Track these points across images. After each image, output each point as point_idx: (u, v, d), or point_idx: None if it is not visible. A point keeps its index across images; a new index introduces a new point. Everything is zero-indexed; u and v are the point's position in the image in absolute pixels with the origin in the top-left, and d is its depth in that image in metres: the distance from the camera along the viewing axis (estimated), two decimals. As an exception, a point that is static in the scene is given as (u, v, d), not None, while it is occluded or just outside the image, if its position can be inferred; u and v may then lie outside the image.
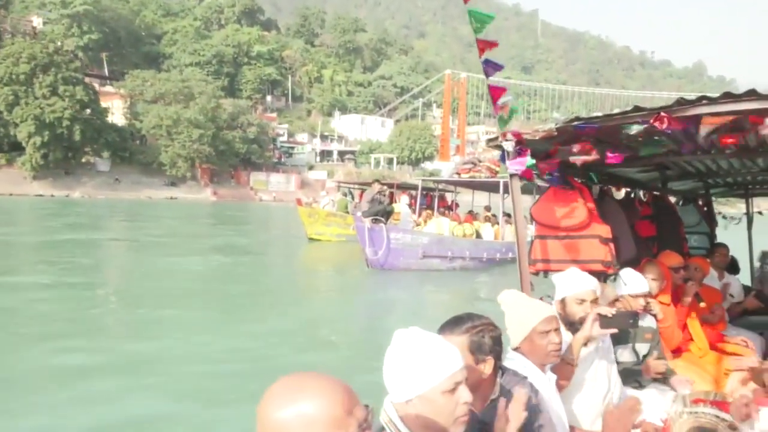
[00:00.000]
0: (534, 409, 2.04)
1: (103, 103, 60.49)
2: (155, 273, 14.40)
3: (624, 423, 2.16)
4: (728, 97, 2.38)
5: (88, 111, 57.16)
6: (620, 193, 4.73)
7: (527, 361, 2.38)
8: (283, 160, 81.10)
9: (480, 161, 17.62)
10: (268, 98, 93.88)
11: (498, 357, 2.00)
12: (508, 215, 17.22)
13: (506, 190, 8.25)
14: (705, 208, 6.11)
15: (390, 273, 15.46)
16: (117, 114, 63.43)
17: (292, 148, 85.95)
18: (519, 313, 2.43)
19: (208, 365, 7.17)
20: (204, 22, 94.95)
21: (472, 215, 20.59)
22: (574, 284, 2.95)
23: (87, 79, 59.76)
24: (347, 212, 23.34)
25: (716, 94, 2.44)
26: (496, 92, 2.54)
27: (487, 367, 1.95)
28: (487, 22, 2.00)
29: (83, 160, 58.58)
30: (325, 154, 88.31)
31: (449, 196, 23.22)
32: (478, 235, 18.15)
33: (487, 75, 2.44)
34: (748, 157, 3.80)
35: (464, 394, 1.52)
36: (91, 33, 72.14)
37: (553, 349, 2.38)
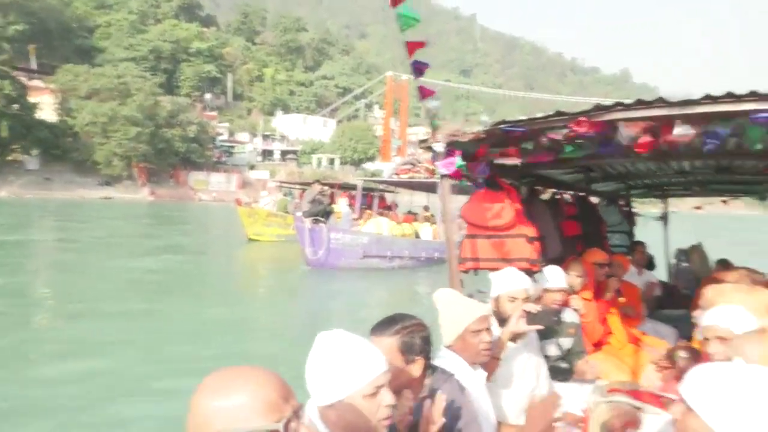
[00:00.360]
0: (458, 407, 2.10)
1: (32, 99, 56.98)
2: (87, 275, 13.80)
3: (545, 417, 2.25)
4: (641, 103, 2.52)
5: (16, 106, 53.71)
6: (547, 195, 4.91)
7: (459, 359, 2.44)
8: (223, 159, 79.09)
9: (419, 162, 17.86)
10: (208, 96, 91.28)
11: (428, 356, 2.04)
12: (447, 215, 17.47)
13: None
14: (626, 209, 6.46)
15: (330, 273, 15.44)
16: (47, 110, 59.68)
17: (233, 147, 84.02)
18: (453, 312, 2.48)
19: (144, 365, 7.11)
20: (140, 16, 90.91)
21: (411, 215, 20.86)
22: (507, 283, 3.07)
23: (14, 73, 56.11)
24: (287, 212, 23.15)
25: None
26: (425, 93, 2.59)
27: (416, 368, 1.99)
28: (413, 24, 2.04)
29: (10, 158, 55.00)
30: (267, 154, 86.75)
31: (389, 197, 23.40)
32: (417, 235, 18.44)
33: (416, 76, 2.49)
34: (663, 160, 4.03)
35: (386, 398, 1.53)
36: (17, 24, 67.79)
37: (484, 347, 2.45)
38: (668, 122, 2.56)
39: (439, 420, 1.83)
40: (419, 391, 2.04)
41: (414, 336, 1.97)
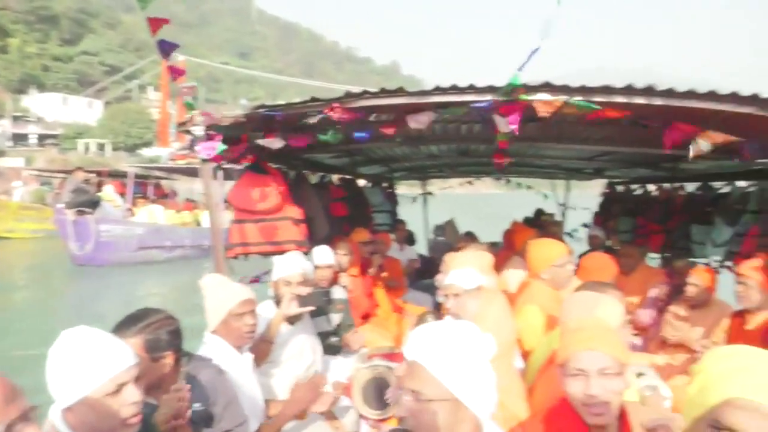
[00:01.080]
0: (216, 391, 2.09)
1: None
2: None
3: (307, 395, 2.35)
4: (385, 92, 2.75)
5: None
6: (316, 178, 5.09)
7: (224, 343, 2.43)
8: (-44, 146, 65.04)
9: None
10: None
11: (178, 349, 2.00)
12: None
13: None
14: (389, 190, 7.02)
15: (100, 269, 13.90)
16: None
17: (-32, 131, 69.53)
18: (216, 297, 2.47)
19: None
20: None
21: (191, 203, 19.78)
22: (283, 267, 3.14)
23: None
24: (46, 204, 20.17)
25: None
26: (176, 73, 2.47)
27: (167, 363, 1.94)
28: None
29: None
30: (20, 138, 73.23)
31: (167, 184, 21.85)
32: (199, 223, 17.58)
33: (163, 56, 2.36)
34: (414, 145, 4.46)
35: (131, 395, 1.47)
36: None
37: (248, 330, 2.47)
38: (410, 109, 2.85)
39: (180, 407, 1.80)
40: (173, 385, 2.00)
41: (160, 332, 1.91)
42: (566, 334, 1.71)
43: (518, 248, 4.19)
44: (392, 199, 6.90)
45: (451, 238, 7.22)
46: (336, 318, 4.01)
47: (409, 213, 7.54)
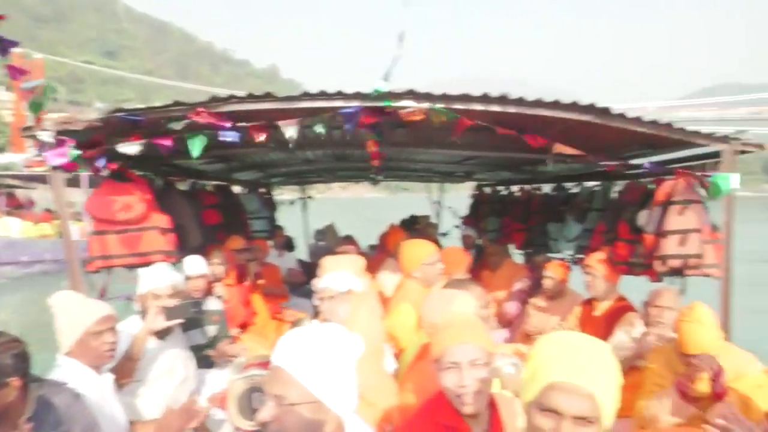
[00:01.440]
0: (71, 417, 1.95)
1: None
2: None
3: (179, 421, 2.24)
4: (252, 97, 2.72)
5: None
6: (186, 184, 4.88)
7: (79, 365, 2.25)
8: None
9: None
10: None
11: (25, 374, 1.83)
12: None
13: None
14: (267, 196, 6.91)
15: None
16: None
17: None
18: (70, 316, 2.28)
19: None
20: None
21: (50, 213, 18.03)
22: (150, 280, 2.96)
23: None
24: None
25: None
26: (15, 72, 2.26)
27: (11, 391, 1.77)
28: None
29: None
30: None
31: (23, 193, 19.72)
32: (61, 235, 16.01)
33: (1, 53, 2.14)
34: (289, 150, 4.42)
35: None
36: None
37: (107, 349, 2.32)
38: (279, 115, 2.83)
39: None
40: (22, 414, 1.83)
41: (2, 356, 1.74)
42: (439, 331, 1.80)
43: (391, 250, 4.32)
44: (270, 204, 6.79)
45: (331, 242, 7.25)
46: (211, 330, 3.87)
47: (290, 218, 7.47)
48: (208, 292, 3.98)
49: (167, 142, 2.88)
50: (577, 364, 1.19)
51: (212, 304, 3.94)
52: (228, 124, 2.83)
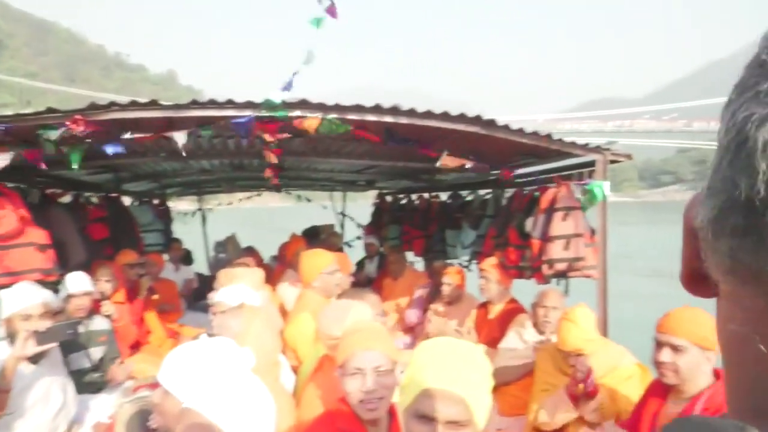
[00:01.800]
0: None
1: None
2: None
3: None
4: (136, 104, 2.59)
5: None
6: (68, 197, 4.54)
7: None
8: None
9: None
10: None
11: None
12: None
13: None
14: (161, 207, 6.58)
15: None
16: None
17: None
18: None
19: None
20: None
21: None
22: (17, 300, 2.70)
23: None
24: None
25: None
26: None
27: None
28: None
29: None
30: None
31: None
32: None
33: None
34: (183, 159, 4.26)
35: None
36: None
37: None
38: (167, 124, 2.72)
39: None
40: None
41: None
42: (345, 337, 1.81)
43: (291, 261, 4.27)
44: (165, 216, 6.47)
45: (232, 254, 7.03)
46: (97, 351, 3.62)
47: (190, 230, 7.16)
48: (95, 310, 3.72)
49: (37, 155, 2.67)
50: (448, 369, 1.23)
51: (99, 324, 3.69)
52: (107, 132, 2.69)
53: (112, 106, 2.54)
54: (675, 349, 1.91)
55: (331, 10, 2.60)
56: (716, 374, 1.93)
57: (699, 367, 1.90)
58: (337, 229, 7.87)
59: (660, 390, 2.06)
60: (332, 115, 2.66)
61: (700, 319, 1.91)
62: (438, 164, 2.98)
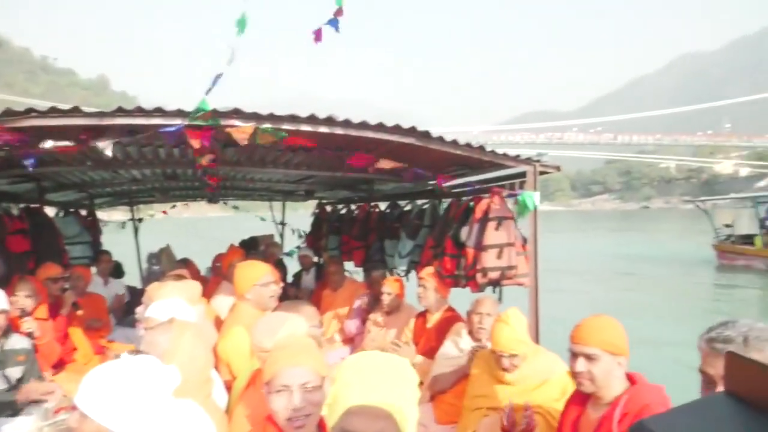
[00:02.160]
0: None
1: None
2: None
3: None
4: (57, 111, 2.47)
5: None
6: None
7: None
8: None
9: None
10: None
11: None
12: None
13: None
14: (89, 218, 6.29)
15: None
16: None
17: None
18: None
19: None
20: None
21: None
22: None
23: None
24: None
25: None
26: None
27: None
28: None
29: None
30: None
31: None
32: None
33: None
34: (109, 168, 4.10)
35: None
36: None
37: None
38: (90, 132, 2.61)
39: None
40: None
41: None
42: (272, 353, 1.76)
43: (226, 272, 4.17)
44: (93, 227, 6.18)
45: (166, 266, 6.79)
46: (16, 372, 3.41)
47: (123, 241, 6.86)
48: (13, 328, 3.50)
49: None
50: (372, 385, 1.23)
51: (17, 342, 3.47)
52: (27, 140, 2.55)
53: (30, 112, 2.41)
54: (588, 358, 1.97)
55: (339, 13, 2.57)
56: (629, 378, 2.01)
57: (612, 373, 1.97)
58: (277, 239, 7.75)
59: (579, 398, 2.13)
60: (266, 125, 2.63)
61: (608, 326, 1.99)
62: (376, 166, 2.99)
